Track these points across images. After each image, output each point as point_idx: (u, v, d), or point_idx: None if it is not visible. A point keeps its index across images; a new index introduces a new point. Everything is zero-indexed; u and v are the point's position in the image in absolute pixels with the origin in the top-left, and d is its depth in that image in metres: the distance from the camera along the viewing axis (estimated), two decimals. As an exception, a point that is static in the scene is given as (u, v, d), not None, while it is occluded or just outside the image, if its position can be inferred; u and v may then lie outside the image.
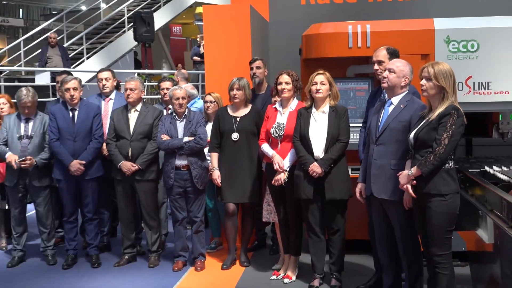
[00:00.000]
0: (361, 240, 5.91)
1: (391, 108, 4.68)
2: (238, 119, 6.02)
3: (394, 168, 4.55)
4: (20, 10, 29.71)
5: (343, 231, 5.46)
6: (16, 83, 11.28)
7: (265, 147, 5.68)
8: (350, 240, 5.69)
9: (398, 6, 7.65)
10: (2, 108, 6.85)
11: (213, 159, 6.05)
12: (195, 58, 16.48)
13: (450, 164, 4.23)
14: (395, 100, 4.68)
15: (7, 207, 6.92)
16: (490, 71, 5.76)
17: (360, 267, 6.00)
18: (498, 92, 5.76)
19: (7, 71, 12.92)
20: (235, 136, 5.97)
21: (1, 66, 14.29)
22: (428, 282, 4.53)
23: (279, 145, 5.58)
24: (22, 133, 6.34)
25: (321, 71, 5.36)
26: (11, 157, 6.22)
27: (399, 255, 4.81)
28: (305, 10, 7.84)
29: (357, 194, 5.03)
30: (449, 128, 4.13)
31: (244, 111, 6.05)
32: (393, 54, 5.10)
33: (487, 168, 5.11)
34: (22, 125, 6.37)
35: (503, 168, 5.11)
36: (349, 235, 5.60)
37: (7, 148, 6.30)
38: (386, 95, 4.79)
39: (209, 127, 6.22)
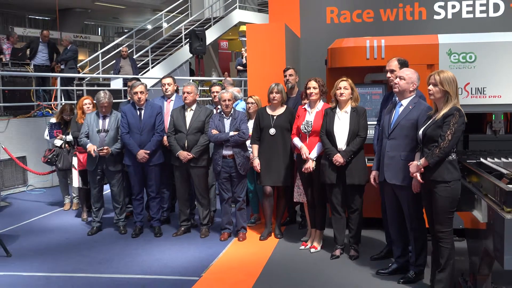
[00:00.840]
0: (375, 218, 5.83)
1: (401, 109, 4.61)
2: (274, 117, 5.98)
3: (403, 159, 4.50)
4: (99, 28, 30.03)
5: (361, 210, 5.42)
6: (96, 88, 11.40)
7: (296, 141, 5.64)
8: (366, 217, 5.63)
9: (408, 25, 7.52)
10: (88, 107, 6.93)
11: (254, 150, 6.03)
12: (239, 67, 16.46)
13: (453, 156, 4.14)
14: (405, 102, 4.60)
15: (87, 187, 7.02)
16: (485, 78, 5.62)
17: (374, 240, 5.93)
18: (492, 96, 5.63)
19: (89, 78, 13.07)
20: (272, 131, 5.93)
21: (84, 74, 14.45)
22: (432, 253, 4.46)
23: (307, 139, 5.53)
24: (100, 128, 6.41)
25: (344, 78, 5.32)
26: (91, 147, 6.31)
27: (407, 231, 4.75)
28: (330, 28, 7.74)
29: (371, 180, 4.98)
30: (452, 126, 4.05)
31: (280, 111, 6.00)
32: (403, 64, 5.01)
33: (482, 160, 4.98)
34: (100, 121, 6.44)
35: (496, 159, 4.98)
36: (365, 213, 5.55)
37: (88, 140, 6.38)
38: (397, 98, 4.71)
39: (250, 124, 6.19)
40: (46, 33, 12.28)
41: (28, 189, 9.37)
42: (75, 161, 7.16)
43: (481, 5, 7.42)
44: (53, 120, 7.79)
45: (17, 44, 12.33)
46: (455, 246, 4.36)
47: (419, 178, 4.24)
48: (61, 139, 7.49)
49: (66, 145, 7.47)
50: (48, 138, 7.77)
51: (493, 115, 5.89)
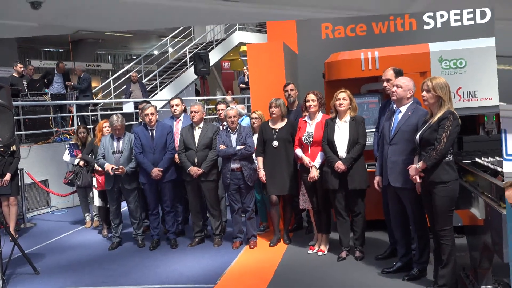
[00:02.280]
0: (377, 220, 5.76)
1: (400, 115, 4.56)
2: (277, 130, 5.94)
3: (405, 163, 4.42)
4: (109, 56, 30.20)
5: (364, 213, 5.37)
6: (109, 112, 11.43)
7: (298, 151, 5.62)
8: (369, 220, 5.56)
9: (399, 36, 7.53)
10: (107, 130, 6.87)
11: (259, 162, 5.98)
12: (241, 85, 16.42)
13: (450, 157, 4.09)
14: (403, 108, 4.55)
15: (106, 206, 6.99)
16: (476, 82, 5.59)
17: (377, 241, 5.84)
18: (483, 99, 5.60)
19: (102, 103, 13.12)
20: (275, 143, 5.89)
21: (97, 100, 14.49)
22: (434, 251, 4.39)
23: (309, 149, 5.50)
24: (115, 149, 6.39)
25: (343, 90, 5.29)
26: (108, 167, 6.29)
27: (410, 231, 4.69)
28: (326, 43, 7.75)
29: (375, 185, 4.90)
30: (447, 129, 4.01)
31: (281, 124, 5.96)
32: (398, 73, 4.98)
33: (477, 159, 4.92)
34: (115, 143, 6.42)
35: (490, 158, 4.92)
36: (368, 216, 5.49)
37: (105, 160, 6.37)
38: (395, 106, 4.67)
39: (255, 138, 6.15)
40: (62, 66, 12.31)
41: (51, 210, 9.36)
42: (94, 181, 7.15)
43: (468, 12, 7.40)
44: (72, 142, 7.84)
45: (33, 76, 12.37)
46: (456, 242, 4.29)
47: (418, 180, 4.19)
48: (80, 158, 7.50)
49: (83, 163, 7.45)
50: (68, 158, 7.79)
51: (485, 117, 5.84)
